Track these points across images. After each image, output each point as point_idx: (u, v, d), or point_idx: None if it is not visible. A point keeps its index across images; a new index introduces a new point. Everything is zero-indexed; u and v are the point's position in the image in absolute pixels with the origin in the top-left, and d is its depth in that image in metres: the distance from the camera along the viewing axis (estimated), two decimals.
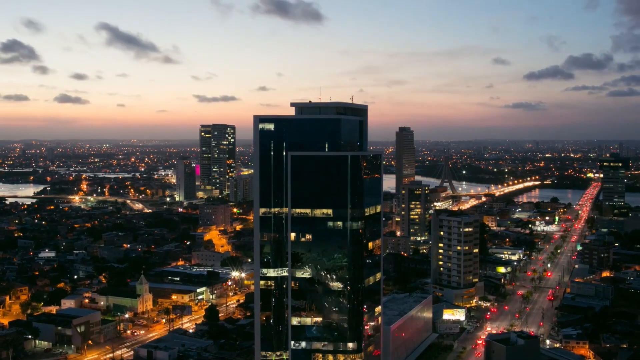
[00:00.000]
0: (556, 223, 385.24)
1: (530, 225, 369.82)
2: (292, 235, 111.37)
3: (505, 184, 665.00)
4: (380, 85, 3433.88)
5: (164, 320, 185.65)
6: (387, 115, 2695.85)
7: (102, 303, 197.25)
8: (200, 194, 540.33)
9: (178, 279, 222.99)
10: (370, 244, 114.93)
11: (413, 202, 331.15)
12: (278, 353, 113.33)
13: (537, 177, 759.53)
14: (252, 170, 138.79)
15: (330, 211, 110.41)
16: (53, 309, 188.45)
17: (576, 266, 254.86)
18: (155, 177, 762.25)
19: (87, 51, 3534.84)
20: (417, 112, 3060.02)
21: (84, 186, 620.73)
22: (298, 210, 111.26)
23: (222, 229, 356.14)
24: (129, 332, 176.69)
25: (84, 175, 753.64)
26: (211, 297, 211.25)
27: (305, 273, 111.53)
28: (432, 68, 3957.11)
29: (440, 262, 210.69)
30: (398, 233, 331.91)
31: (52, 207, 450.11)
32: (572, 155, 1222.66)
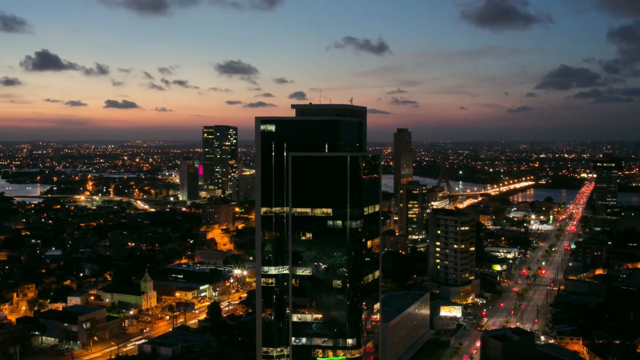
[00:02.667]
0: (551, 222, 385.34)
1: (525, 224, 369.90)
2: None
3: (501, 184, 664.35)
4: (396, 86, 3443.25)
5: (167, 317, 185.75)
6: (394, 116, 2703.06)
7: (107, 300, 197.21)
8: (203, 194, 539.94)
9: (181, 276, 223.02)
10: (369, 243, 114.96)
11: (411, 202, 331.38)
12: (279, 349, 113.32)
13: (532, 177, 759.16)
14: (254, 171, 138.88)
15: (330, 210, 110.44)
16: (59, 306, 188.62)
17: (570, 264, 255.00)
18: (159, 177, 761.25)
19: (178, 70, 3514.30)
20: (423, 112, 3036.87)
21: (89, 186, 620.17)
22: (298, 210, 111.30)
23: (225, 227, 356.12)
24: (133, 328, 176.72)
25: (89, 176, 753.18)
26: (214, 294, 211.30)
27: (305, 271, 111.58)
28: (450, 69, 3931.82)
29: (438, 260, 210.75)
30: (396, 232, 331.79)
31: (58, 206, 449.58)
32: (566, 155, 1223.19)
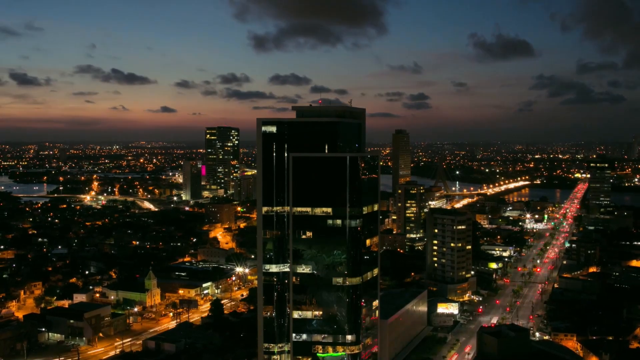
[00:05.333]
0: (545, 221, 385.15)
1: (520, 223, 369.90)
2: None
3: (497, 184, 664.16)
4: (411, 87, 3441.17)
5: (171, 314, 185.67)
6: (402, 117, 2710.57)
7: (112, 297, 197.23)
8: (205, 194, 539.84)
9: (185, 274, 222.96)
10: (367, 241, 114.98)
11: (409, 201, 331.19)
12: (280, 345, 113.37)
13: (527, 177, 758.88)
14: (255, 171, 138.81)
15: (329, 210, 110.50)
16: (65, 303, 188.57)
17: (564, 262, 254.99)
18: (163, 177, 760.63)
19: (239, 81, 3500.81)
20: (427, 113, 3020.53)
21: (95, 186, 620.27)
22: (299, 209, 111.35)
23: (227, 226, 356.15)
24: (138, 325, 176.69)
25: (95, 176, 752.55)
26: (216, 291, 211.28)
27: (306, 269, 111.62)
28: (469, 68, 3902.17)
29: (435, 258, 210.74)
30: (394, 231, 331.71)
31: (64, 206, 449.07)
32: (560, 156, 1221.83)
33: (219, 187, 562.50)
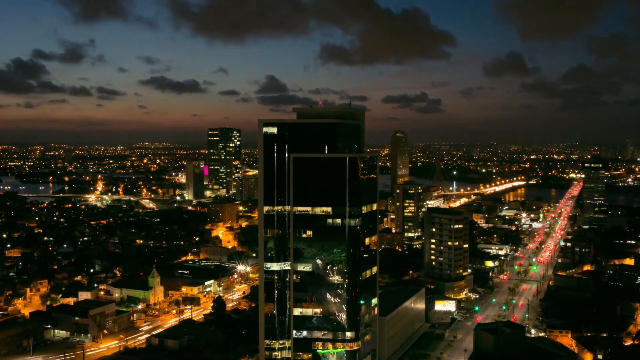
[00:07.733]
0: (541, 220, 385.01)
1: (516, 222, 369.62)
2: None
3: (493, 184, 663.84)
4: (414, 89, 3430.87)
5: (174, 311, 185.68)
6: (403, 119, 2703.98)
7: (116, 295, 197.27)
8: (208, 193, 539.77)
9: (187, 272, 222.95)
10: (366, 240, 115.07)
11: (407, 201, 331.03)
12: (281, 341, 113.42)
13: (523, 177, 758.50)
14: (257, 171, 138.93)
15: (329, 209, 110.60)
16: (71, 301, 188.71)
17: (559, 260, 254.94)
18: (166, 177, 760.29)
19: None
20: (429, 116, 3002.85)
21: (99, 186, 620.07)
22: (299, 208, 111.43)
23: (229, 225, 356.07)
24: (141, 322, 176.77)
25: (99, 176, 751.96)
26: (218, 289, 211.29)
27: (306, 267, 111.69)
28: (470, 74, 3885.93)
29: (433, 257, 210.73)
30: (393, 229, 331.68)
31: (69, 205, 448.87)
32: (555, 157, 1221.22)
33: (221, 187, 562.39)
